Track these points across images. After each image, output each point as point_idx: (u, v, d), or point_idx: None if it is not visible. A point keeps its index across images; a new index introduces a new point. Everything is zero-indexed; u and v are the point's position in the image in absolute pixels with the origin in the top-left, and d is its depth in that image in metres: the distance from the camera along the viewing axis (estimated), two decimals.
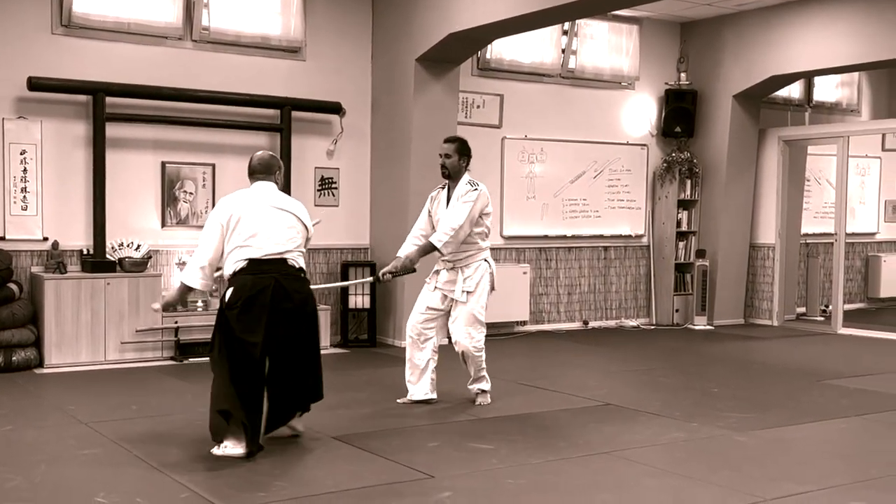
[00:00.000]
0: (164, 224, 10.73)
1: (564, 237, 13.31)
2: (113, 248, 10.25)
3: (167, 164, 10.72)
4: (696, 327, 13.68)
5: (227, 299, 6.54)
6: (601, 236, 13.65)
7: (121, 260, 10.16)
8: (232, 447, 6.42)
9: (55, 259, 9.96)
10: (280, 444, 6.68)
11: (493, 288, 8.04)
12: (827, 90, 15.43)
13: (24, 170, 9.98)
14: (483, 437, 7.05)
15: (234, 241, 6.60)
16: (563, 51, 13.08)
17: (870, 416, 8.07)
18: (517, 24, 10.15)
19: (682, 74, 13.99)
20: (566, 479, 6.06)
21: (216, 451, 6.46)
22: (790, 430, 7.50)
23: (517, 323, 12.88)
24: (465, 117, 12.16)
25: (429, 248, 7.83)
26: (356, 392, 8.61)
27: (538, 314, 13.19)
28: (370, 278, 8.42)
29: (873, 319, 14.55)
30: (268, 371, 6.57)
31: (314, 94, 11.40)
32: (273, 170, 6.95)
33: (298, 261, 6.73)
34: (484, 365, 8.05)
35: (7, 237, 9.97)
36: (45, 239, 10.12)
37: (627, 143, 13.77)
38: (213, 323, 6.70)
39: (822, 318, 14.43)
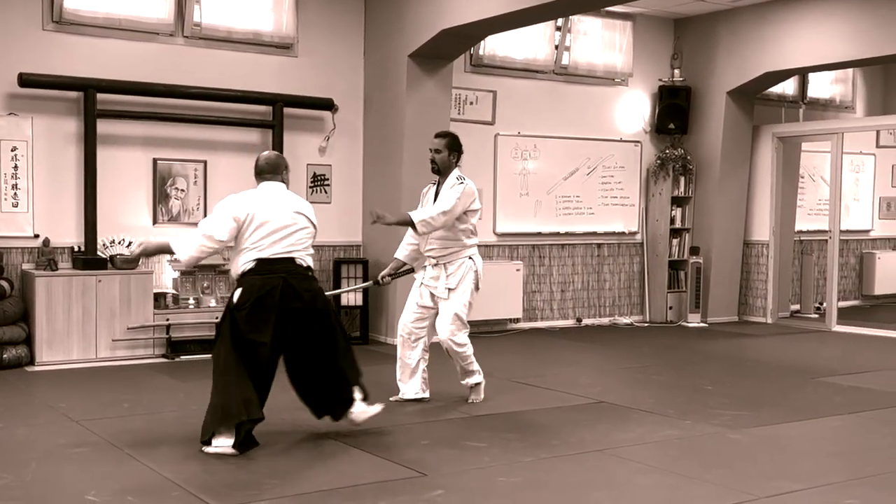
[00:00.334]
0: (155, 221, 10.71)
1: (558, 234, 13.29)
2: (104, 245, 10.22)
3: (159, 161, 10.69)
4: (690, 325, 13.66)
5: (235, 300, 6.54)
6: (595, 233, 13.63)
7: (112, 257, 10.13)
8: (224, 446, 6.40)
9: (46, 256, 9.92)
10: (272, 441, 6.65)
11: (477, 287, 7.95)
12: (821, 87, 15.41)
13: (15, 166, 9.94)
14: (475, 435, 7.03)
15: (245, 243, 6.60)
16: (557, 47, 13.06)
17: (864, 413, 8.07)
18: (510, 20, 10.12)
19: (676, 71, 13.97)
20: (559, 477, 6.04)
21: (208, 449, 6.43)
22: (784, 428, 7.49)
23: (510, 320, 12.86)
24: (458, 114, 12.13)
25: (407, 221, 7.70)
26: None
27: (531, 311, 13.17)
28: (370, 282, 8.42)
29: (868, 317, 14.55)
30: (291, 374, 6.76)
31: (306, 90, 11.37)
32: (280, 169, 6.96)
33: (307, 260, 6.75)
34: (471, 360, 7.97)
35: None
36: (37, 236, 10.09)
37: (621, 140, 13.75)
38: (217, 321, 6.69)
39: (817, 316, 14.41)
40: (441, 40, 10.72)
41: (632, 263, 14.04)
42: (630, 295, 14.06)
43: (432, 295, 7.92)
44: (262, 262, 6.56)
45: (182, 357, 10.17)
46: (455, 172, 7.90)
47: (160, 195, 10.72)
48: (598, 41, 13.36)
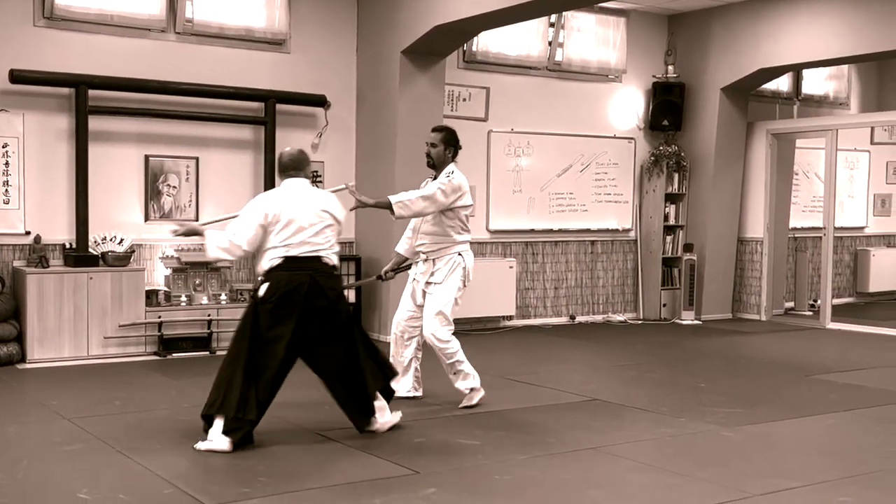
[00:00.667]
0: (147, 218, 10.67)
1: (551, 231, 13.27)
2: (96, 242, 10.18)
3: (150, 158, 10.65)
4: (684, 322, 13.64)
5: (261, 294, 6.59)
6: (588, 230, 13.60)
7: (104, 254, 10.10)
8: (217, 442, 6.39)
9: (37, 253, 9.89)
10: (264, 439, 6.63)
11: (464, 284, 7.85)
12: (816, 83, 15.40)
13: (6, 163, 9.90)
14: (469, 433, 7.01)
15: (273, 241, 6.64)
16: (550, 43, 13.03)
17: (858, 411, 8.06)
18: (503, 16, 10.08)
19: (670, 67, 13.95)
20: (553, 475, 6.02)
21: (200, 445, 6.43)
22: (778, 426, 7.48)
23: (503, 318, 12.83)
24: (451, 110, 12.10)
25: (385, 204, 7.61)
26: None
27: (524, 309, 13.15)
28: (373, 277, 8.40)
29: (862, 314, 14.55)
30: (316, 372, 6.81)
31: (299, 86, 11.33)
32: (303, 165, 6.96)
33: (333, 258, 6.79)
34: (458, 359, 7.78)
35: None
36: (28, 233, 10.05)
37: (615, 137, 13.73)
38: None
39: (811, 313, 14.41)
40: (434, 36, 10.69)
41: (625, 260, 14.02)
42: (624, 292, 14.04)
43: (424, 292, 7.88)
44: (288, 260, 6.61)
45: (174, 354, 10.13)
46: (449, 167, 7.85)
47: (152, 192, 10.68)
48: (591, 37, 13.34)
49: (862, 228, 16.36)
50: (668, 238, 13.97)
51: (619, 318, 13.84)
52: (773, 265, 14.16)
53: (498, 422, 7.40)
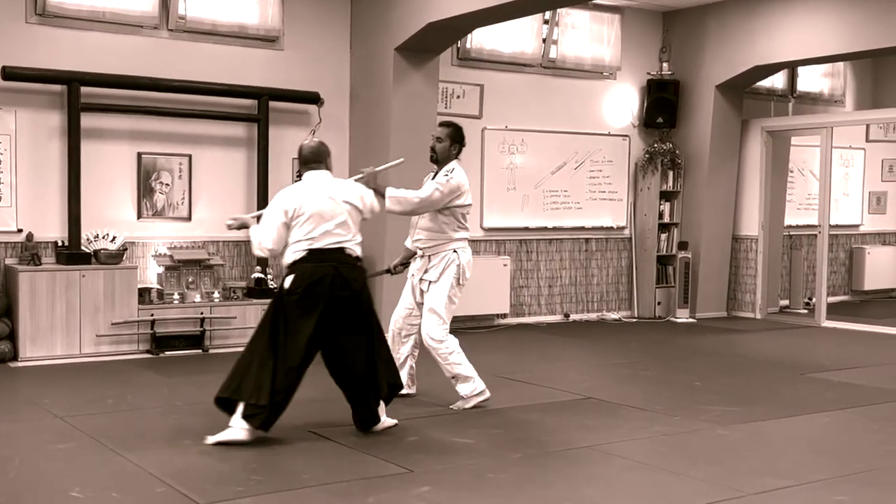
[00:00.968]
0: (139, 215, 10.63)
1: (545, 229, 13.25)
2: (88, 239, 10.14)
3: (143, 155, 10.61)
4: (679, 320, 13.63)
5: (287, 286, 6.65)
6: (582, 228, 13.58)
7: (96, 252, 10.06)
8: (233, 430, 6.50)
9: (30, 251, 9.85)
10: (257, 437, 6.59)
11: (459, 281, 7.74)
12: (811, 80, 15.39)
13: None
14: (463, 432, 6.99)
15: (296, 235, 6.71)
16: (544, 40, 13.01)
17: (853, 409, 8.05)
18: (497, 13, 10.06)
19: (665, 64, 13.93)
20: (547, 473, 6.00)
21: (211, 439, 6.51)
22: (772, 424, 7.47)
23: (497, 316, 12.81)
24: (445, 108, 12.06)
25: (381, 192, 7.56)
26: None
27: (518, 307, 13.12)
28: (383, 271, 8.37)
29: (857, 312, 14.57)
30: (331, 365, 6.81)
31: (292, 83, 11.30)
32: (324, 157, 7.05)
33: (356, 250, 6.85)
34: (452, 361, 7.68)
35: None
36: (20, 230, 10.01)
37: (609, 134, 13.71)
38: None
39: (806, 311, 14.41)
40: (428, 33, 10.67)
41: (620, 258, 14.01)
42: (618, 290, 14.03)
43: (421, 289, 7.84)
44: (312, 252, 6.68)
45: (166, 353, 10.09)
46: (451, 165, 7.79)
47: (145, 189, 10.64)
48: (585, 34, 13.32)
49: (857, 226, 16.35)
50: (663, 236, 13.95)
51: (614, 316, 13.82)
52: (768, 263, 14.15)
53: (492, 420, 7.38)
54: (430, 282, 7.72)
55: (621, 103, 13.84)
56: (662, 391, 8.67)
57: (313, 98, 11.38)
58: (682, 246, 13.83)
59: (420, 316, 7.83)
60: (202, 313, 10.32)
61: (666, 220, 13.98)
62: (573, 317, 13.57)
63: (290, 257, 6.72)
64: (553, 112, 13.21)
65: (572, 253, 13.56)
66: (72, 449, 6.43)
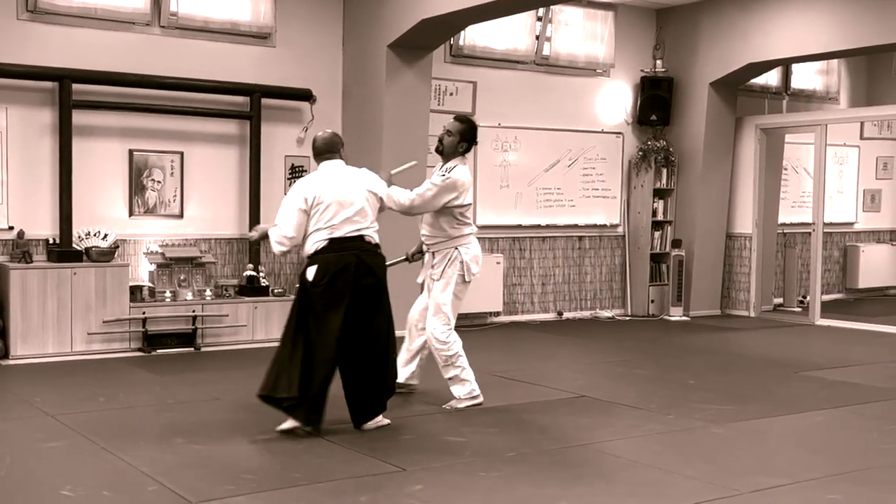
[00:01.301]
0: (131, 213, 10.59)
1: (538, 226, 13.22)
2: (80, 237, 10.10)
3: (135, 153, 10.58)
4: (672, 318, 13.61)
5: (310, 277, 6.69)
6: (576, 226, 13.56)
7: (87, 249, 10.02)
8: (290, 422, 6.69)
9: (21, 248, 9.82)
10: (250, 435, 6.61)
11: (464, 279, 7.67)
12: (805, 78, 15.39)
13: None
14: (456, 430, 6.98)
15: (315, 224, 6.76)
16: (538, 37, 12.99)
17: (847, 407, 8.03)
18: (490, 9, 10.03)
19: (658, 62, 13.91)
20: (541, 472, 5.98)
21: (280, 427, 6.71)
22: (767, 423, 7.45)
23: (490, 314, 12.78)
24: (438, 105, 12.03)
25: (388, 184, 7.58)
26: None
27: (512, 305, 13.10)
28: (402, 258, 8.30)
29: (851, 310, 14.55)
30: (345, 349, 6.76)
31: (284, 80, 11.26)
32: (337, 147, 7.11)
33: (375, 237, 6.92)
34: (454, 363, 7.63)
35: None
36: (11, 228, 9.97)
37: (602, 132, 13.69)
38: (294, 302, 6.85)
39: (800, 309, 14.39)
40: (420, 30, 10.63)
41: (613, 256, 13.99)
42: (611, 288, 14.01)
43: (429, 287, 7.83)
44: (333, 241, 6.72)
45: (158, 351, 10.06)
46: (453, 162, 7.73)
47: (136, 187, 10.60)
48: (579, 31, 13.29)
49: (851, 224, 16.36)
50: (657, 234, 13.93)
51: (607, 314, 13.80)
52: (762, 261, 14.14)
53: (485, 419, 7.35)
54: (434, 280, 7.70)
55: (615, 100, 13.82)
56: (656, 389, 8.65)
57: (306, 95, 11.35)
58: (676, 244, 13.81)
59: None
60: (194, 311, 10.29)
61: (659, 217, 13.97)
62: (566, 315, 13.55)
63: (311, 247, 6.76)
64: (546, 109, 13.19)
65: (566, 251, 13.54)
66: (63, 447, 6.41)
